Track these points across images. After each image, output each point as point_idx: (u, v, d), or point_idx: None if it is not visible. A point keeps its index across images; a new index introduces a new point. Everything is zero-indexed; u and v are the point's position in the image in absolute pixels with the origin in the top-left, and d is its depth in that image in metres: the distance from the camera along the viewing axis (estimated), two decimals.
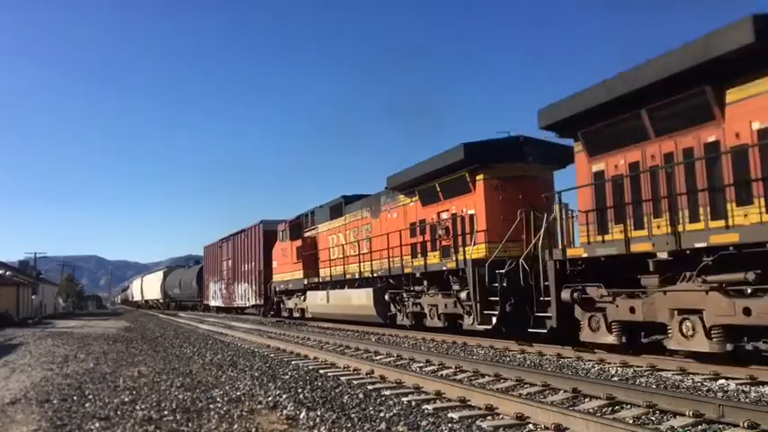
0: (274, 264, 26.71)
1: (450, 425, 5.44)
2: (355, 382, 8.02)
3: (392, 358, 10.54)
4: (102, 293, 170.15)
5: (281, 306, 26.60)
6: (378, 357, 10.79)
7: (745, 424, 4.93)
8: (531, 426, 5.35)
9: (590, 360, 9.34)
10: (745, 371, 7.43)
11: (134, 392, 7.60)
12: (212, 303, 40.62)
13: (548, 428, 5.15)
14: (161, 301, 59.86)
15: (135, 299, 79.81)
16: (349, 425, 5.53)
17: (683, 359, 8.38)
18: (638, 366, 8.53)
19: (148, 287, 66.74)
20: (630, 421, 5.31)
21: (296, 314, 24.56)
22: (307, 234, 23.17)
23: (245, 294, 32.00)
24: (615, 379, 7.65)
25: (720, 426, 5.14)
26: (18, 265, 60.80)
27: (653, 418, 5.52)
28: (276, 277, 26.60)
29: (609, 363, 8.98)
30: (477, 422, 5.51)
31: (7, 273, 46.35)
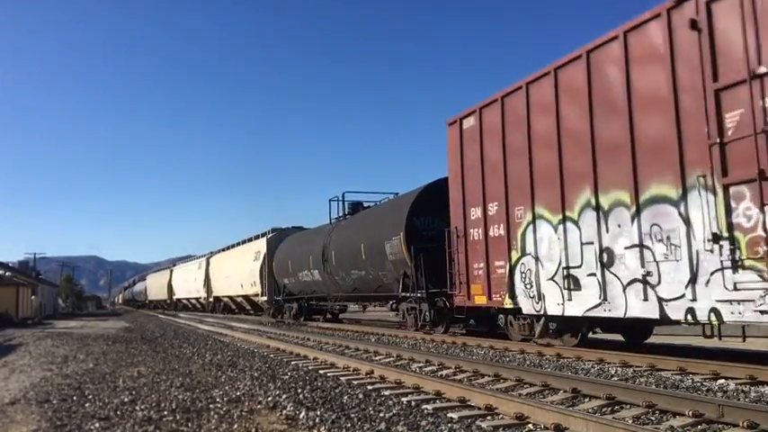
0: None
1: (449, 425, 5.43)
2: (355, 382, 8.01)
3: (392, 358, 10.54)
4: (101, 294, 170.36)
5: None
6: (377, 357, 10.80)
7: (745, 424, 4.93)
8: (530, 426, 5.34)
9: (589, 360, 9.35)
10: (744, 370, 7.44)
11: (134, 393, 7.60)
12: (571, 310, 9.51)
13: (547, 428, 5.15)
14: (258, 298, 30.91)
15: (179, 295, 53.53)
16: (349, 425, 5.53)
17: (683, 359, 8.40)
18: (637, 366, 8.54)
19: (221, 274, 38.39)
20: (630, 421, 5.31)
21: None
22: None
23: None
24: (615, 379, 7.65)
25: (720, 426, 5.14)
26: (17, 266, 60.88)
27: (653, 418, 5.52)
28: None
29: (608, 363, 8.99)
30: (477, 422, 5.50)
31: (7, 273, 46.39)
